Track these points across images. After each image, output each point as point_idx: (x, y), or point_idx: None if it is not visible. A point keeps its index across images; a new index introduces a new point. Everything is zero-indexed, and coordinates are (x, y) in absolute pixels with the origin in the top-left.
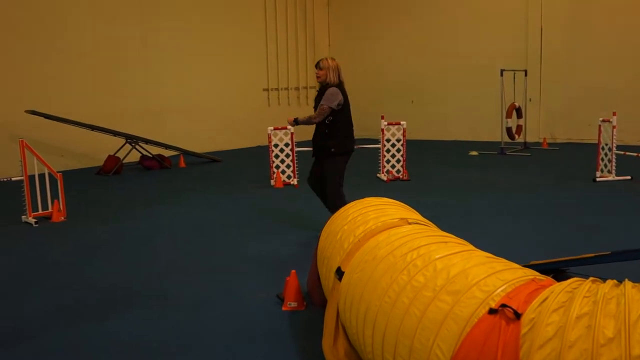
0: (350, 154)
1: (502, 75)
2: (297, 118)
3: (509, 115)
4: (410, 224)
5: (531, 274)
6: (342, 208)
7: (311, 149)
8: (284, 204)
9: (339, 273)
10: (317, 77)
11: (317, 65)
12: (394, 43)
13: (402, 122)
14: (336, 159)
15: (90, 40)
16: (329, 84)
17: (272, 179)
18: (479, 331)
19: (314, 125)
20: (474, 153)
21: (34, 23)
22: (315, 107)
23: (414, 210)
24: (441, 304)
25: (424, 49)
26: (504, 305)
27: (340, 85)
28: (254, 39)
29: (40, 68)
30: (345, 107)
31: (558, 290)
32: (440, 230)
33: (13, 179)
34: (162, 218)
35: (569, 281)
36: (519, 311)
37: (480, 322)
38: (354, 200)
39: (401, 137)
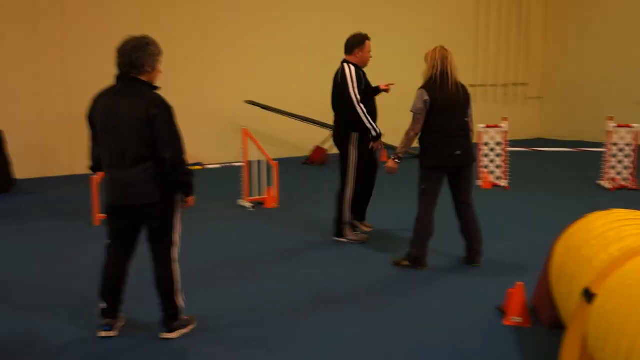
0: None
1: None
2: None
3: None
4: None
5: None
6: (583, 220)
7: (525, 149)
8: (494, 206)
9: (588, 295)
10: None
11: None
12: (622, 37)
13: (634, 125)
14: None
15: (305, 37)
16: None
17: (480, 179)
18: None
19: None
20: None
21: (255, 22)
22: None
23: None
24: None
25: None
26: None
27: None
28: (464, 32)
29: (258, 63)
30: None
31: None
32: None
33: (234, 164)
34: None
35: None
36: None
37: None
38: (597, 210)
39: (631, 141)
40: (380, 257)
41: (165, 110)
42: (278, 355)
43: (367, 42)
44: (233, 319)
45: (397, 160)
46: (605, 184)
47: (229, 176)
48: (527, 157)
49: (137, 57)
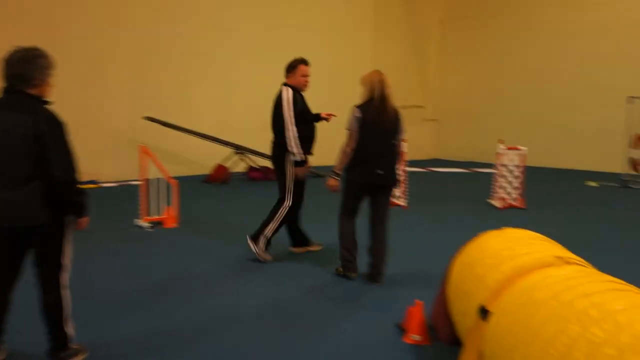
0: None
1: (630, 102)
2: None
3: (634, 146)
4: (569, 264)
5: None
6: (478, 239)
7: (422, 169)
8: (394, 225)
9: (483, 312)
10: None
11: None
12: (512, 64)
13: (522, 148)
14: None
15: (206, 53)
16: None
17: None
18: None
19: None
20: (593, 184)
21: (155, 37)
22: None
23: (565, 248)
24: None
25: (544, 72)
26: None
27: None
28: (363, 56)
29: (157, 78)
30: None
31: None
32: (606, 275)
33: (132, 182)
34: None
35: None
36: None
37: None
38: (489, 229)
39: (519, 163)
40: (286, 275)
41: (55, 126)
42: None
43: (301, 66)
44: (128, 348)
45: (335, 177)
46: (496, 203)
47: (126, 195)
48: (423, 176)
49: (26, 69)
